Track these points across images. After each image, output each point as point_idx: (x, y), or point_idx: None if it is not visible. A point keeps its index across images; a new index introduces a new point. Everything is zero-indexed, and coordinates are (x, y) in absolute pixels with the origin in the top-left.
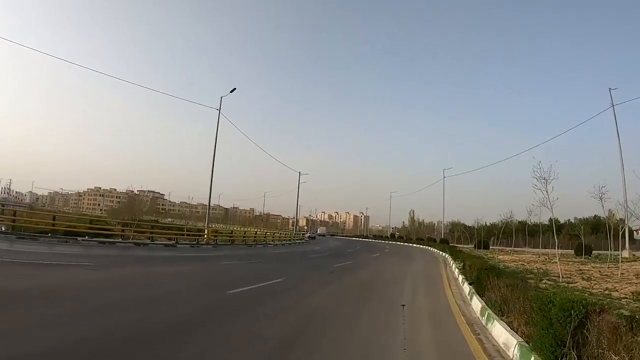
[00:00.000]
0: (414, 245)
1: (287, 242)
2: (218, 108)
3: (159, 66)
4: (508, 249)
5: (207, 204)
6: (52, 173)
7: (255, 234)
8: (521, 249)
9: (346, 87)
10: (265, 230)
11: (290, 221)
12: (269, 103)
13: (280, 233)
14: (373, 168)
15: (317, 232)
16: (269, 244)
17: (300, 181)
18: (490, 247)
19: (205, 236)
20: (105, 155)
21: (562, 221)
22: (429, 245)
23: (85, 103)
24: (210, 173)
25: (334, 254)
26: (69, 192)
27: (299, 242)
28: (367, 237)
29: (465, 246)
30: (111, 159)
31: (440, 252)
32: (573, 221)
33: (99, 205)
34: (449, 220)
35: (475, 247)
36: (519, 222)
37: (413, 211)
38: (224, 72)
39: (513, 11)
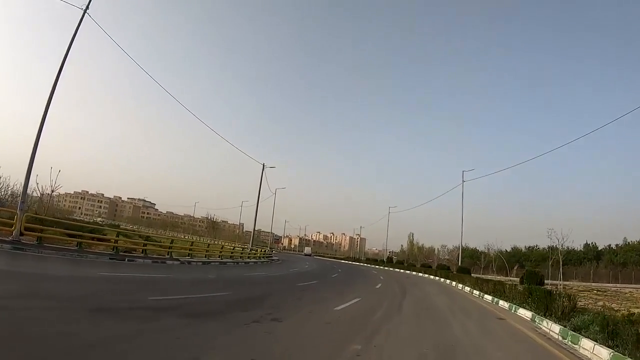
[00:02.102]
0: (420, 274)
1: (232, 260)
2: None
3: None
4: (576, 283)
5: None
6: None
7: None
8: (601, 284)
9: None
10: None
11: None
12: (261, 113)
13: (223, 246)
14: (372, 188)
15: (304, 251)
16: (193, 260)
17: (263, 174)
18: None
19: None
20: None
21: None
22: (443, 277)
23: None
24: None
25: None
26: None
27: (253, 262)
28: (358, 260)
29: (493, 277)
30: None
31: (486, 297)
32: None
33: (79, 208)
34: (454, 245)
35: (522, 281)
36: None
37: (412, 234)
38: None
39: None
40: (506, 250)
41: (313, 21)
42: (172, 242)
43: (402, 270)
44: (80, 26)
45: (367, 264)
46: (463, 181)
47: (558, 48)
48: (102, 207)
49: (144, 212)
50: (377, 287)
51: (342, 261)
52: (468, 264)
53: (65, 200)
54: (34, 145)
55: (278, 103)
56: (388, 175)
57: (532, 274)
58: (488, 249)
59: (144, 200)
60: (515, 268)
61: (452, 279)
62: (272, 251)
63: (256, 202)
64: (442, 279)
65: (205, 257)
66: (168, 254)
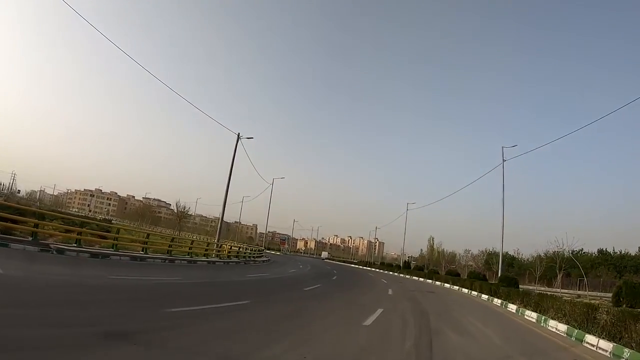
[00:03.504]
0: (447, 285)
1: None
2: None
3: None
4: None
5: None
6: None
7: None
8: None
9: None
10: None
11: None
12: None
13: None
14: (390, 191)
15: (321, 255)
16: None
17: (237, 146)
18: None
19: None
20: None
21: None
22: (484, 292)
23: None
24: None
25: None
26: (60, 191)
27: (222, 263)
28: (371, 264)
29: (551, 291)
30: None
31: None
32: None
33: (88, 205)
34: (480, 249)
35: (619, 299)
36: None
37: (433, 238)
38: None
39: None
40: (539, 255)
41: (332, 22)
42: (117, 231)
43: (421, 279)
44: None
45: (380, 269)
46: (504, 160)
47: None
48: (112, 205)
49: (154, 211)
50: (366, 322)
51: (353, 265)
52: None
53: (75, 197)
54: None
55: (293, 101)
56: (405, 177)
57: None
58: (518, 253)
59: (159, 200)
60: (560, 277)
61: (504, 298)
62: (261, 251)
63: (228, 179)
64: (483, 296)
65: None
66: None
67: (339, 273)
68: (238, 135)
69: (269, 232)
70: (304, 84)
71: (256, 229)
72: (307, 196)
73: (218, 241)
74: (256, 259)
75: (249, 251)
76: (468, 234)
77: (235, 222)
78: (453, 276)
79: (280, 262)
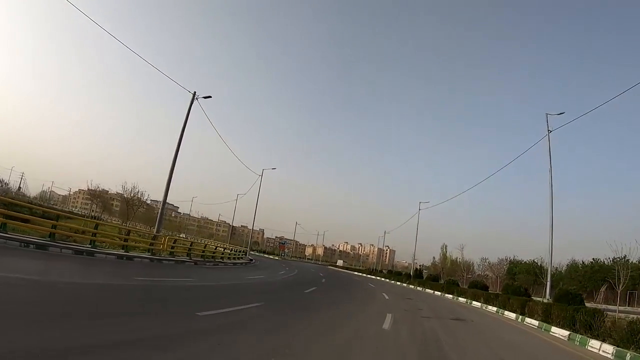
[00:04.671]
0: (475, 304)
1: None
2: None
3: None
4: None
5: None
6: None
7: None
8: None
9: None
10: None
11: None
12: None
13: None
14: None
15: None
16: None
17: (191, 106)
18: None
19: None
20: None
21: None
22: (557, 324)
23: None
24: None
25: None
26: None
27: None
28: (376, 272)
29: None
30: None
31: None
32: None
33: (88, 204)
34: (499, 257)
35: None
36: None
37: (446, 245)
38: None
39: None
40: (567, 265)
41: (347, 18)
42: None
43: (437, 293)
44: None
45: (387, 278)
46: (549, 131)
47: None
48: (114, 205)
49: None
50: None
51: (357, 273)
52: (524, 282)
53: (78, 196)
54: None
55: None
56: (419, 185)
57: None
58: (541, 263)
59: (167, 203)
60: (603, 289)
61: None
62: (241, 252)
63: (176, 148)
64: (555, 330)
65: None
66: None
67: (325, 280)
68: (193, 95)
69: (275, 237)
70: (314, 81)
71: (263, 233)
72: (317, 203)
73: (157, 232)
74: (226, 261)
75: (228, 252)
76: (481, 242)
77: (242, 226)
78: (480, 289)
79: (263, 266)
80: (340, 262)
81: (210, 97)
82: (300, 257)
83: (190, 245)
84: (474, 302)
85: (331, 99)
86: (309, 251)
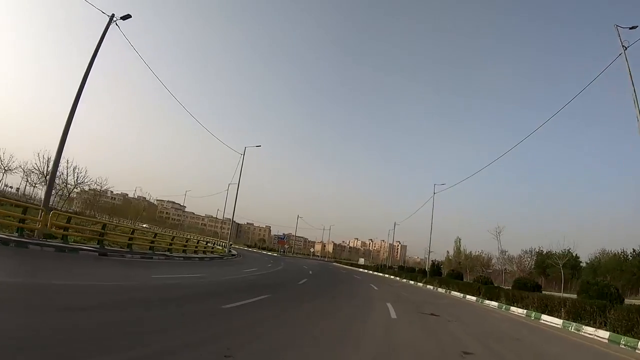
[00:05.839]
0: (550, 322)
1: None
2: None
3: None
4: None
5: None
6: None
7: None
8: None
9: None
10: None
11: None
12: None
13: None
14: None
15: (358, 261)
16: None
17: (106, 30)
18: None
19: None
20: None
21: None
22: None
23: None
24: None
25: None
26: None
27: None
28: (384, 269)
29: None
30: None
31: None
32: None
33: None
34: (523, 249)
35: None
36: None
37: (460, 239)
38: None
39: None
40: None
41: (349, 21)
42: None
43: (470, 298)
44: None
45: (397, 276)
46: (624, 47)
47: None
48: (115, 205)
49: (162, 213)
50: None
51: (359, 269)
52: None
53: (80, 196)
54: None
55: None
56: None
57: None
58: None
59: (173, 202)
60: None
61: None
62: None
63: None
64: None
65: None
66: None
67: (309, 279)
68: (111, 17)
69: (283, 233)
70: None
71: (269, 230)
72: (328, 199)
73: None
74: (191, 255)
75: (206, 244)
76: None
77: (248, 223)
78: (521, 289)
79: (239, 261)
80: (361, 261)
81: (130, 16)
82: (306, 255)
83: (154, 237)
84: (542, 318)
85: (331, 96)
86: (317, 248)
